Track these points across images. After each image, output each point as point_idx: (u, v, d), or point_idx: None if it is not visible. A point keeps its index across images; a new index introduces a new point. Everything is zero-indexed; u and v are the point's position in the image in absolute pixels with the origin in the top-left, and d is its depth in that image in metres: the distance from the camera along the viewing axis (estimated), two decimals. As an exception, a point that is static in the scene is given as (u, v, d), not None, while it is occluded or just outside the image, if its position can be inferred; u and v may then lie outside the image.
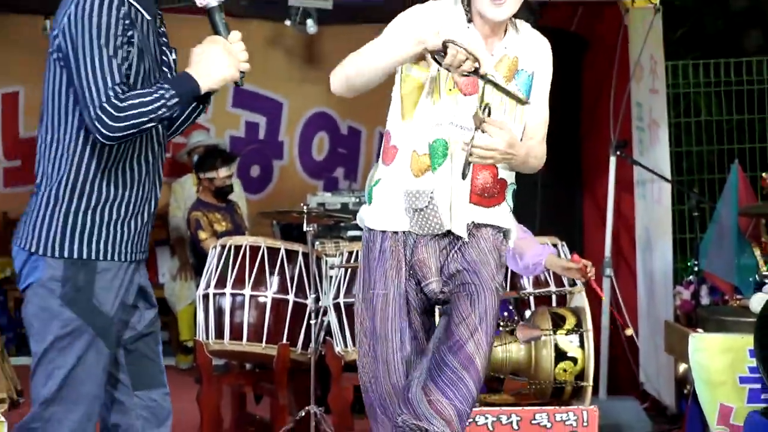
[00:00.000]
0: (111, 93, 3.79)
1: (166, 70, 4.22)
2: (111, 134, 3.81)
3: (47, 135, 4.07)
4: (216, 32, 4.18)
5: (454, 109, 4.36)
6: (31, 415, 4.09)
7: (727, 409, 6.12)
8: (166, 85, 3.89)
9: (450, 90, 4.38)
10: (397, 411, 4.45)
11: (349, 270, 7.13)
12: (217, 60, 4.00)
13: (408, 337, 4.52)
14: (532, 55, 4.45)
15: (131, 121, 3.82)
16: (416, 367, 4.48)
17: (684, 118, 9.71)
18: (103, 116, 3.78)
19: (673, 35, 9.81)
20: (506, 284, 7.18)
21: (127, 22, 3.92)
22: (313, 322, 7.15)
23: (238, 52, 4.13)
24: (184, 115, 4.22)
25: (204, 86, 3.94)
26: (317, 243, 7.69)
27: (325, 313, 7.20)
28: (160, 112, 3.85)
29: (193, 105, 4.10)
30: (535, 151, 4.43)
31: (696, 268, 8.13)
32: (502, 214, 4.49)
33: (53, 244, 4.04)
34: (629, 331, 7.87)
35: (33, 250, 4.06)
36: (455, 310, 4.44)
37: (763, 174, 7.91)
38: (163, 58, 4.25)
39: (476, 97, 4.28)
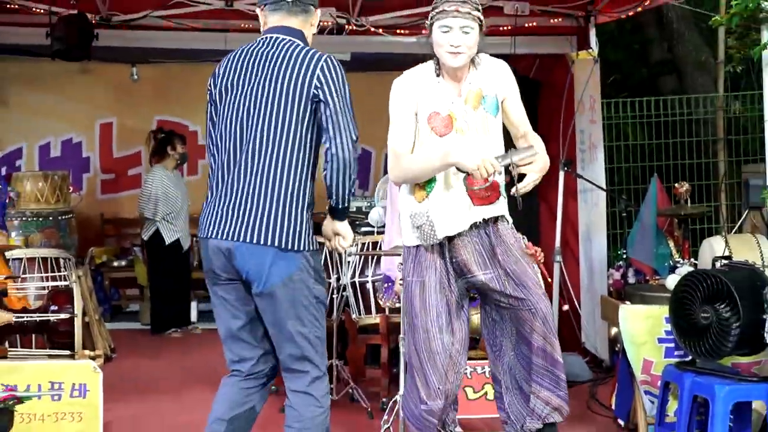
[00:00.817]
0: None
1: None
2: None
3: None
4: None
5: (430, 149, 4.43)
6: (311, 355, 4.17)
7: (648, 362, 6.10)
8: None
9: (429, 133, 4.42)
10: (445, 378, 4.49)
11: (362, 257, 7.10)
12: None
13: (444, 312, 4.47)
14: (491, 79, 4.44)
15: None
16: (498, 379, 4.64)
17: (616, 142, 9.68)
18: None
19: (607, 80, 9.78)
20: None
21: None
22: (335, 296, 7.12)
23: None
24: None
25: None
26: (339, 236, 7.65)
27: (344, 289, 7.17)
28: None
29: None
30: (538, 139, 4.51)
31: (624, 256, 8.10)
32: (501, 206, 4.46)
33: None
34: (565, 307, 7.96)
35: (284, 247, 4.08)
36: (523, 325, 4.47)
37: (676, 184, 7.90)
38: None
39: (453, 136, 4.36)
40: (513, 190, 4.27)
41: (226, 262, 4.13)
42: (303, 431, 4.15)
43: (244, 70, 4.18)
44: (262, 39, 4.24)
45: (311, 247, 4.16)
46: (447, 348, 4.48)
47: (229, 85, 4.20)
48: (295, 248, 4.08)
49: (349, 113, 4.10)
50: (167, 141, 9.57)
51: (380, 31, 8.63)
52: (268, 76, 4.11)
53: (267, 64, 4.13)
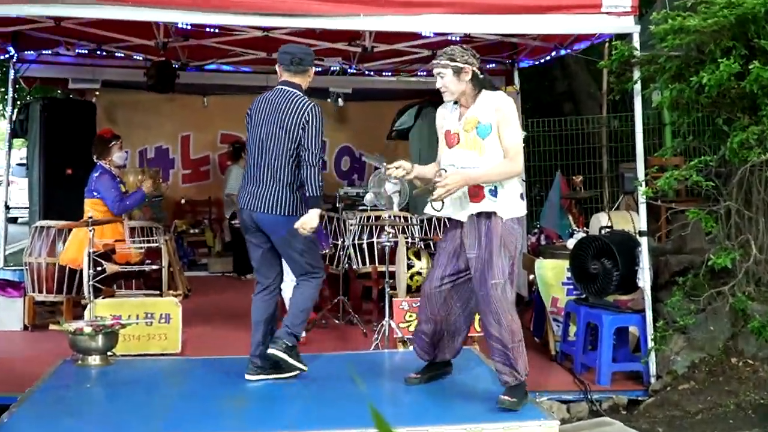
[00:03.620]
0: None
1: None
2: None
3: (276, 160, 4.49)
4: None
5: (445, 156, 4.23)
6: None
7: (555, 299, 6.03)
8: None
9: (443, 144, 4.26)
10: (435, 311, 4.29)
11: (360, 226, 7.03)
12: None
13: (448, 264, 4.25)
14: (485, 111, 4.10)
15: None
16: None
17: (533, 147, 9.49)
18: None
19: (525, 105, 9.64)
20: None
21: None
22: (341, 252, 7.08)
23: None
24: None
25: None
26: (344, 212, 7.58)
27: (347, 248, 7.11)
28: None
29: None
30: (502, 167, 4.02)
31: (538, 226, 8.04)
32: (485, 205, 4.08)
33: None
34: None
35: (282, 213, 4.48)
36: (477, 303, 4.17)
37: (573, 177, 7.83)
38: None
39: (456, 149, 4.15)
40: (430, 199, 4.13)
41: (252, 223, 4.60)
42: (301, 294, 4.64)
43: (263, 108, 4.60)
44: (276, 89, 4.63)
45: (301, 213, 4.47)
46: (439, 288, 4.26)
47: (255, 116, 4.63)
48: (291, 214, 4.49)
49: (316, 139, 4.44)
50: (241, 149, 9.49)
51: (372, 73, 8.61)
52: (276, 114, 4.53)
53: (276, 105, 4.55)
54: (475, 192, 4.10)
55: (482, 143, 4.09)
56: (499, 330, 4.02)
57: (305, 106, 4.47)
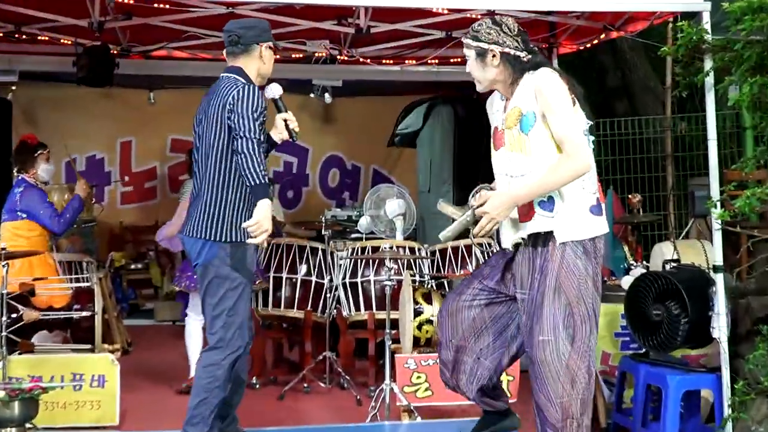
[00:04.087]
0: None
1: None
2: None
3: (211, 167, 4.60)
4: (278, 111, 4.76)
5: (493, 162, 4.20)
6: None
7: (606, 354, 6.05)
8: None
9: (492, 145, 4.21)
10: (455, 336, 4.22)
11: (353, 260, 7.07)
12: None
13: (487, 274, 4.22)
14: (526, 98, 3.99)
15: None
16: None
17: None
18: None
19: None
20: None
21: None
22: (328, 295, 7.13)
23: (291, 120, 4.72)
24: None
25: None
26: (331, 242, 7.63)
27: (336, 289, 7.15)
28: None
29: None
30: (558, 170, 3.86)
31: (584, 259, 8.05)
32: (537, 224, 3.96)
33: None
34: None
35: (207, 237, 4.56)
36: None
37: (629, 196, 7.87)
38: None
39: (502, 150, 4.08)
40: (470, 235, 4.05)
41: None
42: (202, 373, 4.62)
43: (204, 104, 4.74)
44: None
45: (230, 239, 4.54)
46: (470, 303, 4.19)
47: (197, 117, 4.77)
48: (213, 239, 4.55)
49: (249, 122, 4.45)
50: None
51: (368, 61, 8.63)
52: (207, 109, 4.65)
53: (206, 102, 4.69)
54: (525, 208, 3.99)
55: (526, 140, 3.97)
56: (546, 404, 3.92)
57: (232, 88, 4.55)
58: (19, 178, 6.72)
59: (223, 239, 4.53)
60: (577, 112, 4.03)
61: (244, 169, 4.39)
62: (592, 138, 4.14)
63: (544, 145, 3.94)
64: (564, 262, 3.91)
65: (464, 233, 4.17)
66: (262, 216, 4.32)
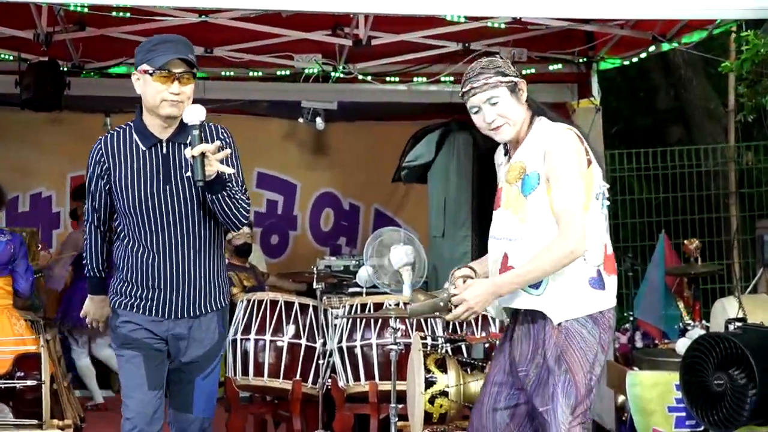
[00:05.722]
0: None
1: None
2: None
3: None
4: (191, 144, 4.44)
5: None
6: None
7: (658, 433, 6.05)
8: None
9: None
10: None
11: (350, 319, 7.07)
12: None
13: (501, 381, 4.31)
14: (533, 155, 4.08)
15: None
16: None
17: (620, 196, 9.68)
18: None
19: (611, 130, 9.79)
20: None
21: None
22: (321, 362, 7.11)
23: (212, 159, 4.37)
24: None
25: None
26: (325, 298, 7.63)
27: (330, 354, 7.14)
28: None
29: None
30: (544, 255, 3.98)
31: (631, 318, 8.07)
32: (524, 301, 4.13)
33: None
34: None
35: None
36: None
37: (685, 241, 7.88)
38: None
39: (499, 212, 4.20)
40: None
41: None
42: None
43: None
44: None
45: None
46: (500, 410, 4.29)
47: None
48: None
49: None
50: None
51: (368, 78, 8.65)
52: None
53: None
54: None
55: (525, 203, 4.09)
56: None
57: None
58: None
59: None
60: (593, 174, 4.14)
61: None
62: (607, 203, 4.30)
63: (543, 214, 4.05)
64: (568, 335, 4.07)
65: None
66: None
